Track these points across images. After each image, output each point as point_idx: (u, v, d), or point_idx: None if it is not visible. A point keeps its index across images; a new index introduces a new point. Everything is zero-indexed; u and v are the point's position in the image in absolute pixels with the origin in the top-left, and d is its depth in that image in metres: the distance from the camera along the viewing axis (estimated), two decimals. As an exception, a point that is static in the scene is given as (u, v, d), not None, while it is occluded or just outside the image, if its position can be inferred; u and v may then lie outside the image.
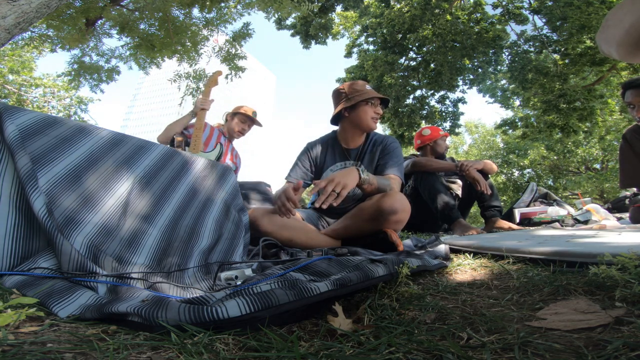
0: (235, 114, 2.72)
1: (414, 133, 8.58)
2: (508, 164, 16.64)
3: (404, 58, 8.95)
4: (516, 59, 7.92)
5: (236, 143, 2.90)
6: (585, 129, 8.59)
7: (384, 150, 1.73)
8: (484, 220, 2.59)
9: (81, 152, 0.98)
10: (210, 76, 2.69)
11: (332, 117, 1.82)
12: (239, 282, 0.83)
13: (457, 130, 9.55)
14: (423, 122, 8.99)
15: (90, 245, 0.81)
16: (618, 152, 2.11)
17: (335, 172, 1.40)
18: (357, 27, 9.29)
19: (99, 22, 5.21)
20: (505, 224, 2.36)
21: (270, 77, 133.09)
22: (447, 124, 9.19)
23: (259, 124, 2.79)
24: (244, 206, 1.50)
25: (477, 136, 20.45)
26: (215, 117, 2.89)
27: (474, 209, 3.11)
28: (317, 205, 1.25)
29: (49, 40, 5.07)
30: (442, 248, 1.28)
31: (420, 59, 8.92)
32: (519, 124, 9.43)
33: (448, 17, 8.09)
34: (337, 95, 1.80)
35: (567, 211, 2.67)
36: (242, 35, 5.77)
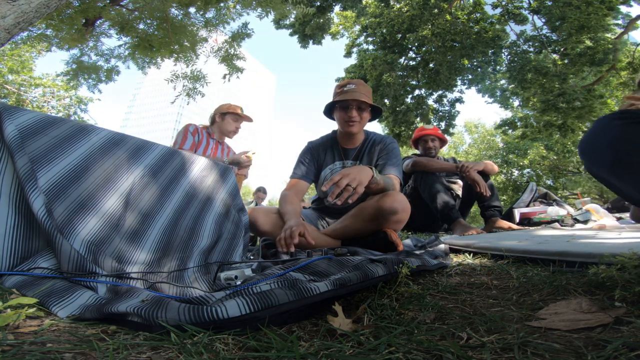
0: (224, 113, 2.65)
1: (410, 132, 8.60)
2: (508, 164, 16.65)
3: (403, 58, 8.95)
4: (515, 58, 7.92)
5: (235, 143, 2.89)
6: (585, 129, 8.58)
7: (383, 150, 1.73)
8: (484, 220, 2.59)
9: (81, 152, 0.98)
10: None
11: (326, 113, 1.82)
12: (238, 282, 0.83)
13: (451, 131, 9.53)
14: (418, 119, 8.98)
15: (90, 245, 0.81)
16: None
17: (348, 168, 1.35)
18: (357, 27, 9.29)
19: (98, 22, 5.19)
20: (505, 224, 2.36)
21: (270, 77, 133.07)
22: (443, 124, 9.19)
23: (250, 120, 2.76)
24: (244, 206, 1.51)
25: (477, 136, 20.46)
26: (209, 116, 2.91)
27: (474, 209, 3.11)
28: (330, 199, 1.20)
29: (48, 40, 5.06)
30: (442, 248, 1.28)
31: (419, 58, 8.92)
32: (519, 124, 9.43)
33: (447, 16, 8.08)
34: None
35: (566, 211, 2.66)
36: (241, 35, 5.75)
